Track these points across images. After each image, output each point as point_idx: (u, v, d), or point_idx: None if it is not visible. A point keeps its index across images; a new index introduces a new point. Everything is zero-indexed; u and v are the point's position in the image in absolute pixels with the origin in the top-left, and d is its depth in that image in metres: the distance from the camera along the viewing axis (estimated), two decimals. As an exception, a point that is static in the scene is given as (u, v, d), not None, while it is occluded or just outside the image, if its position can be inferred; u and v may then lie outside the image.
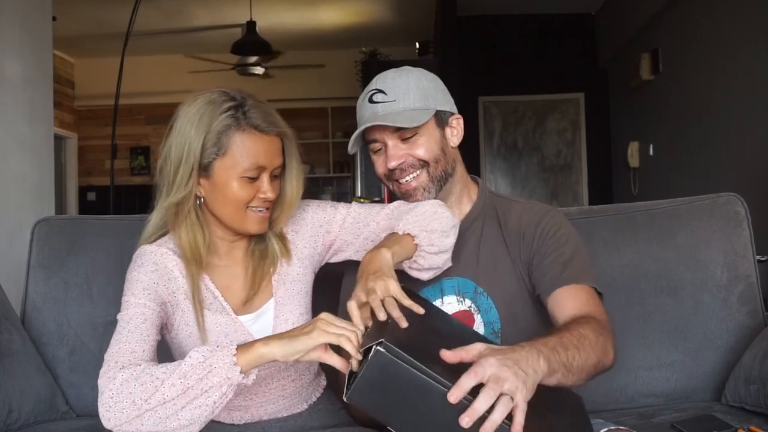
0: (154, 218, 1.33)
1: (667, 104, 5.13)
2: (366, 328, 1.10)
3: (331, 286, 1.54)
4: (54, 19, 4.27)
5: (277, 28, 6.93)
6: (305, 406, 1.46)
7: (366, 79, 6.56)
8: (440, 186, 1.43)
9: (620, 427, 1.26)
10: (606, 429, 1.24)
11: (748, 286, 1.72)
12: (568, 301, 1.32)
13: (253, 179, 1.26)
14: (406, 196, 1.42)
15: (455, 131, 1.46)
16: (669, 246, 1.74)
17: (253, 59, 6.80)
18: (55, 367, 1.76)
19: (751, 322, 1.70)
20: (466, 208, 1.50)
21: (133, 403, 1.08)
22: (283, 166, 1.33)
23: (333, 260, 1.47)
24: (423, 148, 1.39)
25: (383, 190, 5.90)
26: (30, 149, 3.86)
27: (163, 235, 1.36)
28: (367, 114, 1.39)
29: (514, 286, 1.44)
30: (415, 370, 0.96)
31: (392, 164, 1.38)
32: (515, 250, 1.44)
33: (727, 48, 4.15)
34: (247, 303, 1.36)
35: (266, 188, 1.27)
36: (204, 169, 1.26)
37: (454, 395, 0.92)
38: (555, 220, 1.45)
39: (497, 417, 0.91)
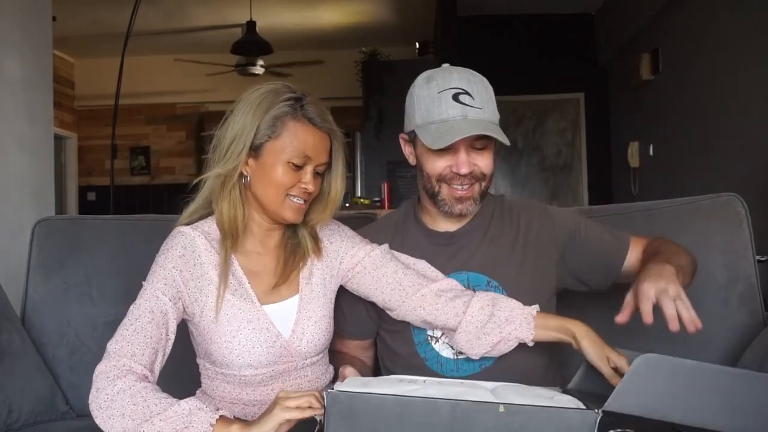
0: (202, 192, 1.38)
1: (667, 104, 5.13)
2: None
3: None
4: (54, 19, 4.26)
5: (277, 28, 6.93)
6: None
7: (366, 79, 6.57)
8: (482, 199, 1.46)
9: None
10: None
11: (748, 286, 1.72)
12: (632, 254, 1.49)
13: (298, 167, 1.32)
14: (455, 201, 1.43)
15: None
16: (669, 246, 1.74)
17: (253, 59, 6.80)
18: (55, 367, 1.76)
19: (751, 322, 1.70)
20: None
21: (122, 417, 1.14)
22: (329, 166, 1.38)
23: (346, 283, 1.48)
24: (488, 162, 1.42)
25: (383, 190, 5.90)
26: (30, 149, 3.86)
27: (203, 217, 1.40)
28: (453, 113, 1.36)
29: (528, 278, 1.47)
30: (378, 394, 0.96)
31: (464, 170, 1.38)
32: (536, 245, 1.50)
33: (727, 48, 4.15)
34: (273, 292, 1.38)
35: (308, 179, 1.33)
36: (255, 150, 1.32)
37: (629, 314, 1.23)
38: (564, 213, 1.56)
39: (684, 312, 1.17)
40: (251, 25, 6.43)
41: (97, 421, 1.16)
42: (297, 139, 1.30)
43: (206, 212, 1.40)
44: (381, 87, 6.32)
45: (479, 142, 1.38)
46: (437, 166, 1.41)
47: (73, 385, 1.75)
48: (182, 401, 1.15)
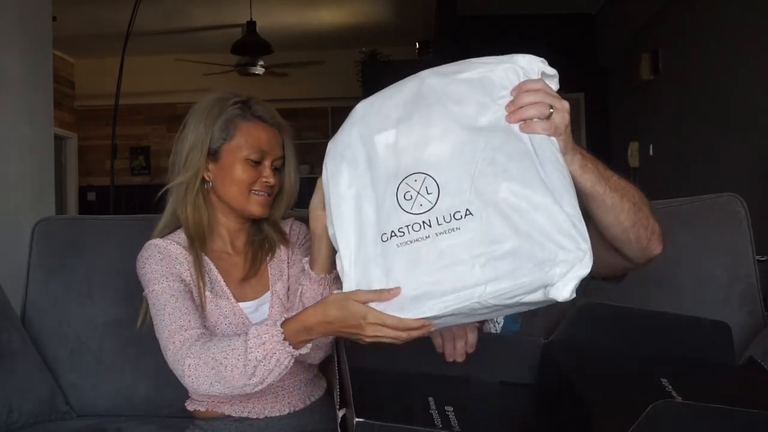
0: (168, 207, 1.44)
1: (667, 104, 5.13)
2: None
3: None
4: (54, 19, 4.26)
5: (277, 28, 6.93)
6: (308, 403, 1.48)
7: (366, 79, 6.57)
8: None
9: None
10: None
11: (748, 286, 1.71)
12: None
13: (256, 164, 1.39)
14: None
15: None
16: (669, 246, 1.74)
17: (253, 59, 6.81)
18: (55, 367, 1.76)
19: (751, 322, 1.70)
20: None
21: (209, 382, 1.21)
22: (284, 161, 1.45)
23: None
24: None
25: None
26: (30, 149, 3.86)
27: (174, 230, 1.45)
28: None
29: None
30: (409, 427, 0.94)
31: None
32: None
33: (727, 48, 4.15)
34: (246, 290, 1.43)
35: (268, 173, 1.40)
36: (213, 154, 1.40)
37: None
38: None
39: (532, 112, 1.06)
40: (251, 25, 6.44)
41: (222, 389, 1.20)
42: (251, 137, 1.38)
43: (175, 226, 1.45)
44: (381, 87, 6.26)
45: None
46: None
47: (73, 385, 1.75)
48: (251, 330, 1.19)
